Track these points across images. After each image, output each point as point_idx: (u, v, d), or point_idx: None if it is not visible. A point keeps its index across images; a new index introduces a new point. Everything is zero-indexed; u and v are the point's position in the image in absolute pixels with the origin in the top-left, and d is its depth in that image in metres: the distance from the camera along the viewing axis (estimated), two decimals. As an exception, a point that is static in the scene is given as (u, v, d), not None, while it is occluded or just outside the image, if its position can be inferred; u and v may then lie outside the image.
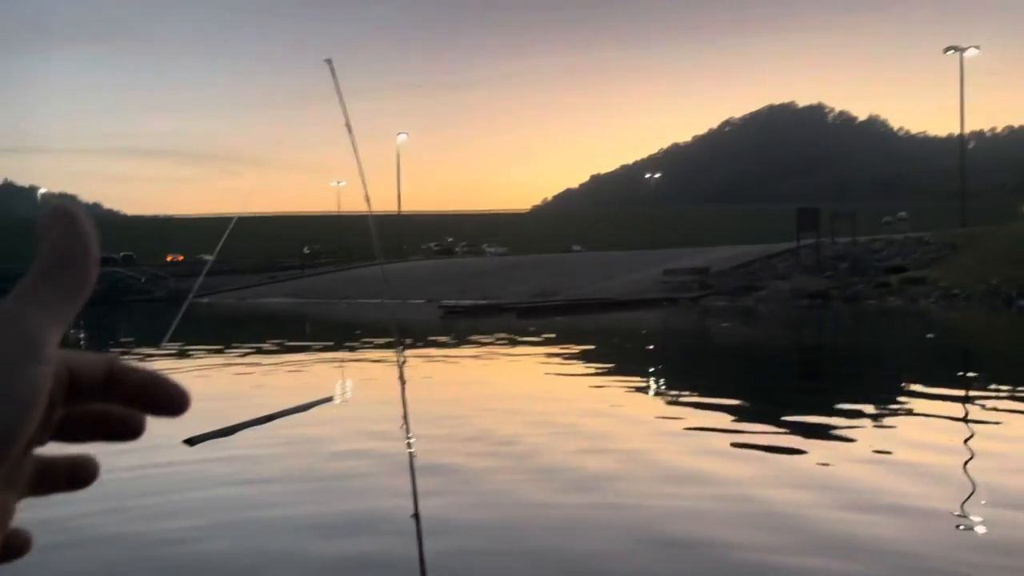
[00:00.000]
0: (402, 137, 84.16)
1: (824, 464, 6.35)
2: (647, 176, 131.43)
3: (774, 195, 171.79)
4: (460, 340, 19.12)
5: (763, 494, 5.43)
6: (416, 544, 1.94)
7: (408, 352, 15.94)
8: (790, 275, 35.74)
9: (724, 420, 8.30)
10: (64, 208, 0.40)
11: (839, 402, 9.39)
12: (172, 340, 16.29)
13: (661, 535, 4.64)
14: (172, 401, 0.41)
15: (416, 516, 1.92)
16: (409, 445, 2.11)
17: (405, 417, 2.26)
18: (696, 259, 41.74)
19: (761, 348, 18.06)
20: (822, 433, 7.52)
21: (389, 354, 15.70)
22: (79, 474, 0.42)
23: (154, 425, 0.43)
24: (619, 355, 15.41)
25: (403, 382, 2.41)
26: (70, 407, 0.40)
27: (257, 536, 4.75)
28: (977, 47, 57.27)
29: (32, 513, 0.43)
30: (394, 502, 3.95)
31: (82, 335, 23.08)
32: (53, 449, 0.41)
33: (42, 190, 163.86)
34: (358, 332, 21.70)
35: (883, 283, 32.50)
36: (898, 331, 21.91)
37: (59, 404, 0.39)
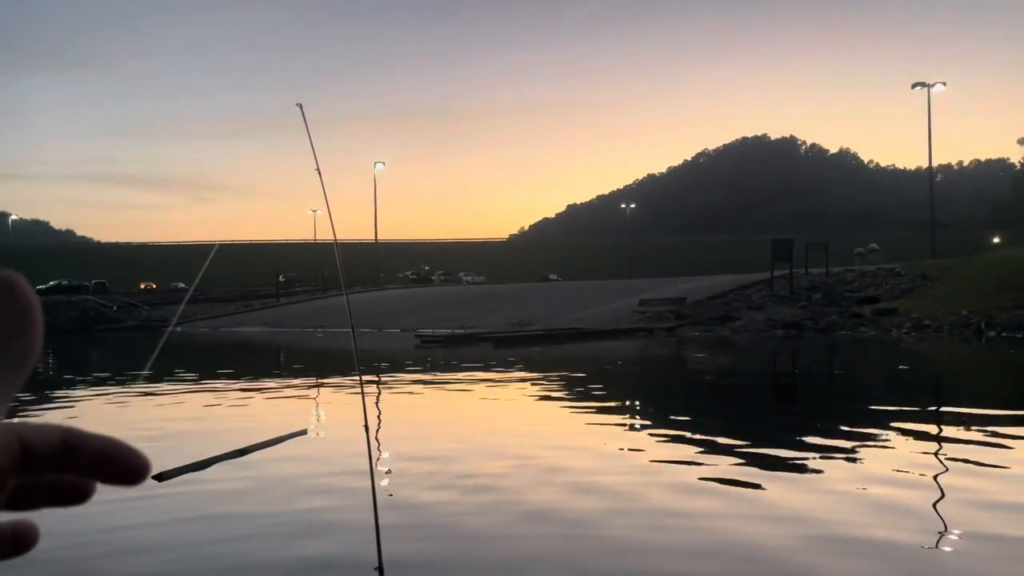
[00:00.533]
0: (379, 166, 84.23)
1: (795, 495, 6.36)
2: (623, 206, 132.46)
3: (748, 226, 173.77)
4: (437, 370, 19.05)
5: (733, 527, 5.43)
6: None
7: (384, 381, 15.84)
8: (765, 305, 36.08)
9: (696, 452, 8.31)
10: (4, 278, 0.39)
11: (812, 433, 9.44)
12: (146, 369, 16.06)
13: (633, 570, 4.62)
14: (132, 469, 0.41)
15: (380, 571, 1.89)
16: (374, 497, 2.07)
17: (371, 473, 2.22)
18: (672, 289, 42.02)
19: (736, 377, 18.14)
20: (794, 467, 7.54)
21: (365, 386, 15.60)
22: (21, 540, 0.41)
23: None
24: (595, 385, 15.40)
25: (367, 432, 2.37)
26: (22, 478, 0.39)
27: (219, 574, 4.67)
28: (944, 83, 58.71)
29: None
30: (360, 548, 3.89)
31: (51, 363, 22.69)
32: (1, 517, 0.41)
33: (13, 216, 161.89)
34: (332, 362, 21.54)
35: (856, 314, 32.90)
36: (871, 361, 22.13)
37: (10, 476, 0.38)
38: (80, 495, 0.42)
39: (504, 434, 10.01)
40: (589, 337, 30.52)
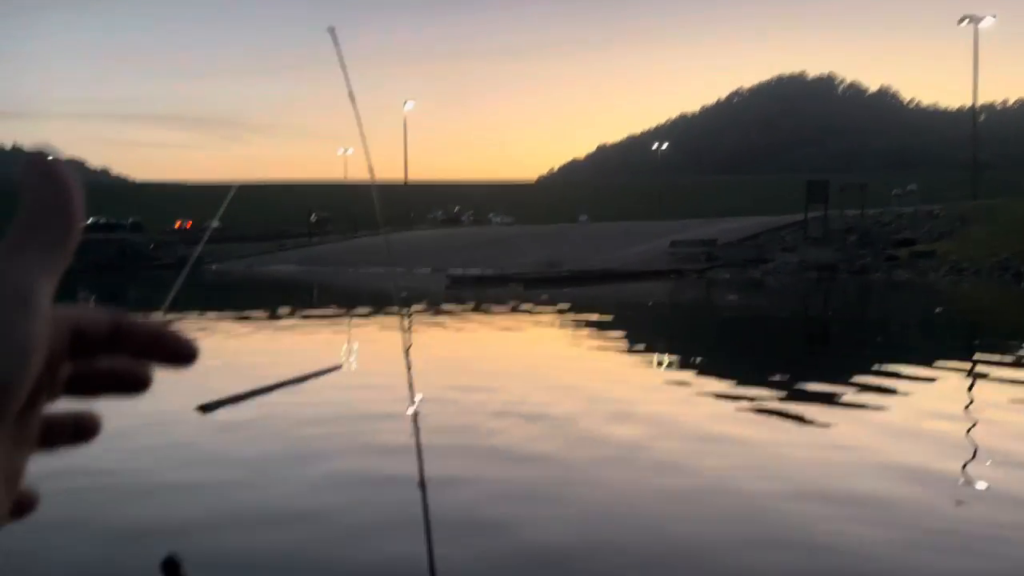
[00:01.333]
0: (409, 104, 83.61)
1: (834, 426, 6.42)
2: (654, 147, 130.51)
3: (783, 167, 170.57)
4: (468, 309, 19.20)
5: (771, 451, 5.51)
6: (422, 514, 1.98)
7: (416, 319, 16.03)
8: (798, 247, 35.65)
9: (729, 387, 8.37)
10: (42, 157, 0.39)
11: (845, 372, 9.44)
12: (182, 308, 16.38)
13: (674, 489, 4.73)
14: (181, 351, 0.41)
15: (422, 485, 1.94)
16: (415, 415, 2.13)
17: (410, 386, 2.28)
18: (703, 231, 41.63)
19: (768, 320, 18.09)
20: (827, 400, 7.57)
21: (395, 321, 15.82)
22: (82, 428, 0.42)
23: (166, 392, 0.42)
24: (626, 325, 15.47)
25: (407, 349, 2.41)
26: (77, 363, 0.40)
27: (265, 498, 4.84)
28: (993, 16, 56.42)
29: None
30: (403, 466, 4.00)
31: (92, 301, 23.21)
32: (63, 405, 0.41)
33: (49, 157, 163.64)
34: (365, 300, 21.80)
35: (892, 256, 32.40)
36: (906, 304, 21.89)
37: (63, 359, 0.39)
38: (137, 383, 0.42)
39: (539, 369, 10.14)
40: (619, 278, 30.47)
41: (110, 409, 0.42)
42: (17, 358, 0.34)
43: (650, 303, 22.25)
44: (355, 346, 12.96)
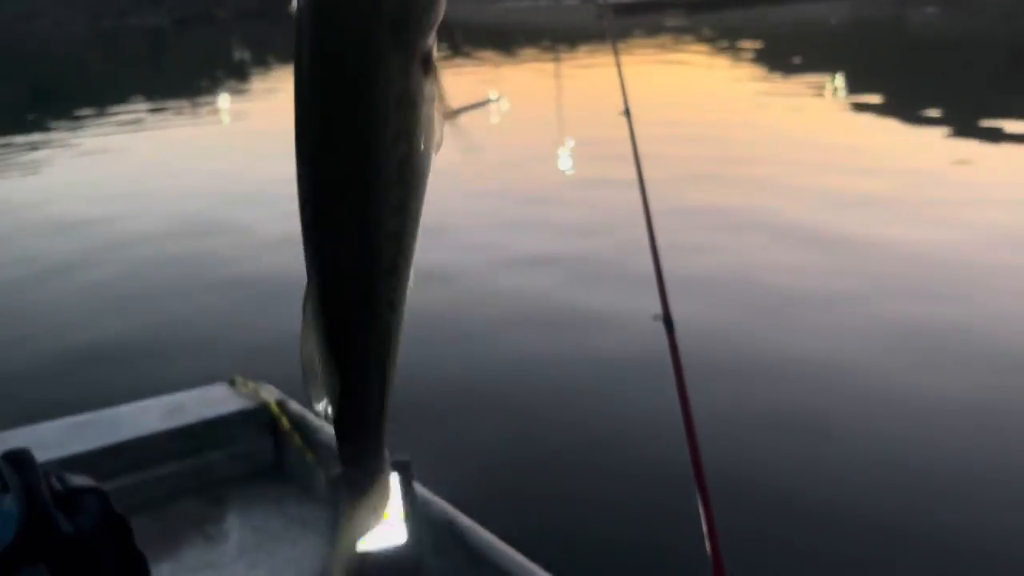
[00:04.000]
0: None
1: None
2: None
3: None
4: (621, 42, 17.53)
5: None
6: (668, 345, 1.25)
7: (564, 57, 14.77)
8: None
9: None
10: None
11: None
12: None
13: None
14: None
15: (667, 320, 1.21)
16: (653, 246, 1.35)
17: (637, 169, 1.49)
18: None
19: (976, 44, 15.45)
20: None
21: (545, 66, 14.80)
22: None
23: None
24: (804, 54, 13.57)
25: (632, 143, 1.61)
26: None
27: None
28: None
29: None
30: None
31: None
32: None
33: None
34: (510, 39, 20.46)
35: None
36: None
37: None
38: None
39: (709, 109, 9.00)
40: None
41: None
42: None
43: (833, 21, 19.58)
44: (508, 84, 12.09)
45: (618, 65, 1.80)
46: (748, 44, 15.51)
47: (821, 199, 5.13)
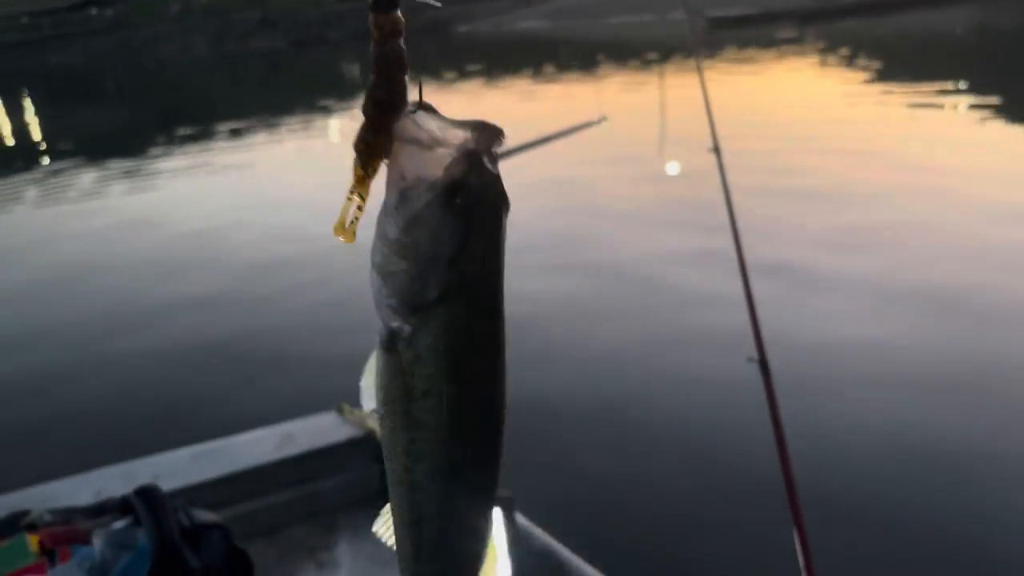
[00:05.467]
0: None
1: None
2: None
3: None
4: (731, 55, 17.20)
5: None
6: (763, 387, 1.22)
7: (671, 73, 14.60)
8: None
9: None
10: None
11: None
12: (432, 72, 16.17)
13: None
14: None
15: (763, 363, 1.18)
16: (738, 245, 1.32)
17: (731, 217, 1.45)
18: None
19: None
20: None
21: (652, 77, 14.66)
22: None
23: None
24: (927, 67, 12.94)
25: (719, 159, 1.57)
26: None
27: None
28: None
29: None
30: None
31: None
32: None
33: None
34: (620, 53, 20.36)
35: None
36: None
37: None
38: None
39: (829, 123, 8.69)
40: (915, 6, 25.83)
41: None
42: None
43: (957, 31, 18.62)
44: (612, 103, 12.04)
45: (706, 100, 1.77)
46: (865, 57, 14.93)
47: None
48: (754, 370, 1.28)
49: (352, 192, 0.44)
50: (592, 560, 1.44)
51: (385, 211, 0.42)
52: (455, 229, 0.40)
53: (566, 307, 4.26)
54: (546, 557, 1.46)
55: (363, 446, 1.90)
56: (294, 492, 1.84)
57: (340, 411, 2.01)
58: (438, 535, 0.47)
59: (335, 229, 0.44)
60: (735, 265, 1.49)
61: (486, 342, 0.43)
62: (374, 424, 1.92)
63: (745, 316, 1.43)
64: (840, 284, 4.18)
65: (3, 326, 4.67)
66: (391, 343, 0.43)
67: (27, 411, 3.52)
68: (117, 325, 4.50)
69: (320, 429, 1.94)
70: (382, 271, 0.43)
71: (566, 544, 1.49)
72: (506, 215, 0.42)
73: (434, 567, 0.48)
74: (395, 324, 0.42)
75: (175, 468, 1.46)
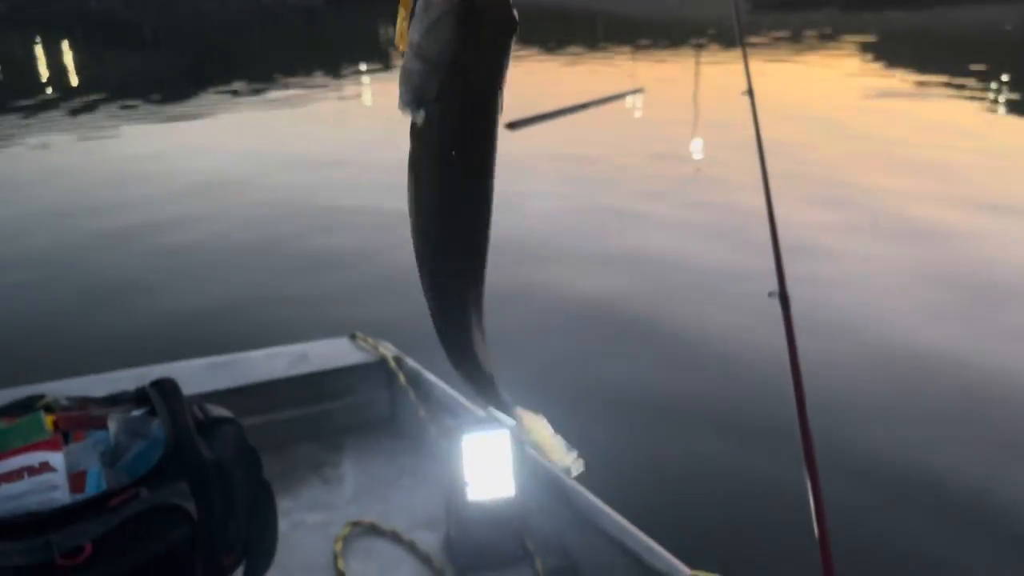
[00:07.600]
0: None
1: None
2: None
3: None
4: (773, 39, 16.92)
5: None
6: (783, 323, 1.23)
7: (710, 56, 14.41)
8: None
9: None
10: None
11: None
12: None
13: None
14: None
15: (783, 296, 1.19)
16: (771, 219, 1.33)
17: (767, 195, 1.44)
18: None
19: None
20: None
21: (687, 59, 14.52)
22: None
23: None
24: (974, 62, 12.67)
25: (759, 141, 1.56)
26: None
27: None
28: None
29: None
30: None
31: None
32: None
33: None
34: (652, 31, 20.11)
35: None
36: None
37: None
38: None
39: (862, 112, 8.56)
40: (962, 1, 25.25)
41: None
42: None
43: (1007, 27, 18.19)
44: (651, 76, 11.93)
45: (743, 46, 1.77)
46: (917, 47, 14.64)
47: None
48: (775, 304, 1.28)
49: (400, 4, 0.51)
50: (596, 491, 1.46)
51: (413, 19, 0.49)
52: (458, 38, 0.47)
53: (588, 244, 4.33)
54: (550, 482, 1.48)
55: (373, 372, 1.92)
56: (303, 410, 1.88)
57: (353, 337, 2.02)
58: (440, 230, 0.56)
59: (396, 43, 0.51)
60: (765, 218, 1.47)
61: (475, 140, 0.51)
62: (385, 351, 1.93)
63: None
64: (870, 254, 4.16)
65: (41, 240, 4.81)
66: (412, 130, 0.51)
67: (62, 319, 3.57)
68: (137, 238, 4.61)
69: (333, 352, 1.97)
70: (405, 70, 0.50)
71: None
72: (511, 34, 0.48)
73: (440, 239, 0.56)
74: (411, 115, 0.51)
75: (189, 376, 1.48)
